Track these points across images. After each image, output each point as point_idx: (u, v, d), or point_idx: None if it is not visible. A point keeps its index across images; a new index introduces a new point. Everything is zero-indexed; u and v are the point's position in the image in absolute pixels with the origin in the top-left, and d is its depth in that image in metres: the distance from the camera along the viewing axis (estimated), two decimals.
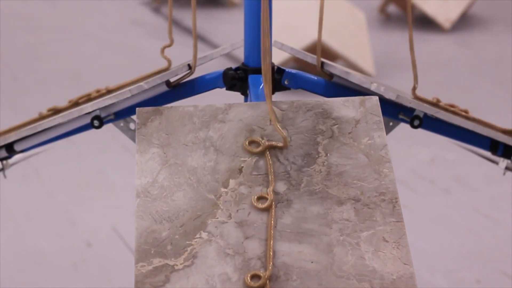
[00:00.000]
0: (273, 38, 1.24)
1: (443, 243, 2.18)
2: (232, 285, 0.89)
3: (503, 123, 1.46)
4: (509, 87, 3.42)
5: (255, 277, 0.90)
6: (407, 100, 1.28)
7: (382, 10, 4.52)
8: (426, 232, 2.23)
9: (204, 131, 1.04)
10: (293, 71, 1.31)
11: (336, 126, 1.04)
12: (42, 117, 1.40)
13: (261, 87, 1.26)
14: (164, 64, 1.34)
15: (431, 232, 2.23)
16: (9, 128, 1.41)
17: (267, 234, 0.93)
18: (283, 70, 1.30)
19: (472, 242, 2.18)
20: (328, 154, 1.01)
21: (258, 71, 1.29)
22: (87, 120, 1.32)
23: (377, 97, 1.07)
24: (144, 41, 4.12)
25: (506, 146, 1.38)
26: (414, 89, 1.32)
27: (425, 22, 4.31)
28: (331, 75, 1.30)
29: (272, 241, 0.92)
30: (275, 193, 0.98)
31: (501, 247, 2.15)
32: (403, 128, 1.37)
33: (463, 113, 1.36)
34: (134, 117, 1.32)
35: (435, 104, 1.34)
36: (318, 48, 1.27)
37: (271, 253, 0.91)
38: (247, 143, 1.02)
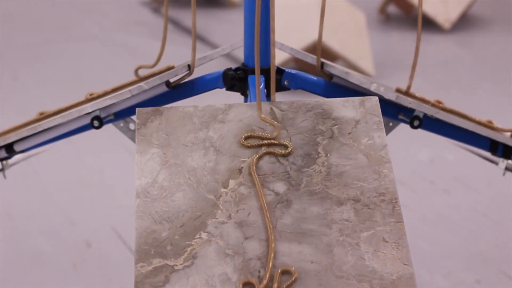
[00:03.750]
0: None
1: (443, 243, 2.18)
2: (231, 285, 0.89)
3: (503, 123, 1.46)
4: (509, 87, 3.41)
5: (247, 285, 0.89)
6: (407, 101, 1.28)
7: (382, 10, 4.52)
8: (426, 232, 2.23)
9: (204, 131, 1.04)
10: (293, 71, 1.31)
11: (336, 126, 1.04)
12: (41, 118, 1.40)
13: (260, 87, 1.26)
14: (163, 64, 1.34)
15: (431, 232, 2.23)
16: (9, 129, 1.41)
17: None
18: (283, 71, 1.30)
19: (472, 242, 2.18)
20: (328, 155, 1.01)
21: None
22: (87, 120, 1.32)
23: (376, 98, 1.07)
24: (144, 41, 4.12)
25: (505, 146, 1.38)
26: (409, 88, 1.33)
27: (425, 22, 4.31)
28: (331, 76, 1.30)
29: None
30: (275, 193, 0.98)
31: (501, 247, 2.15)
32: (403, 128, 1.37)
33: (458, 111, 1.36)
34: (134, 117, 1.32)
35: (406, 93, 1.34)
36: (318, 48, 1.27)
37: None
38: (243, 138, 1.01)
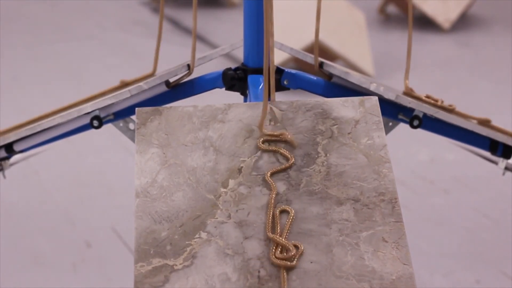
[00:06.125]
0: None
1: (443, 243, 2.18)
2: (231, 285, 0.89)
3: (503, 123, 1.46)
4: (509, 87, 3.41)
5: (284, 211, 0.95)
6: (407, 100, 1.28)
7: (382, 10, 4.52)
8: (426, 232, 2.23)
9: (203, 131, 1.04)
10: (293, 71, 1.31)
11: (336, 126, 1.04)
12: (41, 117, 1.40)
13: (260, 87, 1.26)
14: (162, 65, 1.34)
15: (431, 232, 2.23)
16: (9, 128, 1.41)
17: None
18: (283, 70, 1.30)
19: (472, 242, 2.18)
20: (328, 154, 1.01)
21: (257, 71, 1.29)
22: (86, 120, 1.32)
23: (376, 97, 1.07)
24: (144, 41, 4.12)
25: (505, 146, 1.38)
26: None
27: (425, 22, 4.31)
28: (330, 75, 1.30)
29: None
30: (275, 193, 0.97)
31: (501, 247, 2.15)
32: (403, 128, 1.37)
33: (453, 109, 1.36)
34: (133, 117, 1.32)
35: (424, 100, 1.34)
36: (316, 48, 1.27)
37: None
38: (261, 142, 1.02)
